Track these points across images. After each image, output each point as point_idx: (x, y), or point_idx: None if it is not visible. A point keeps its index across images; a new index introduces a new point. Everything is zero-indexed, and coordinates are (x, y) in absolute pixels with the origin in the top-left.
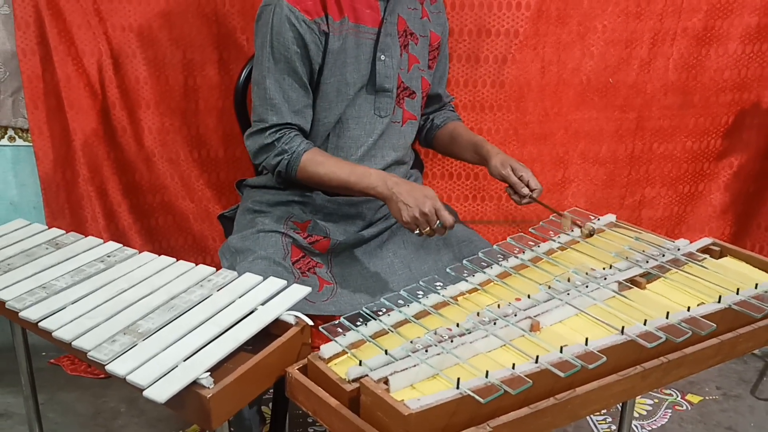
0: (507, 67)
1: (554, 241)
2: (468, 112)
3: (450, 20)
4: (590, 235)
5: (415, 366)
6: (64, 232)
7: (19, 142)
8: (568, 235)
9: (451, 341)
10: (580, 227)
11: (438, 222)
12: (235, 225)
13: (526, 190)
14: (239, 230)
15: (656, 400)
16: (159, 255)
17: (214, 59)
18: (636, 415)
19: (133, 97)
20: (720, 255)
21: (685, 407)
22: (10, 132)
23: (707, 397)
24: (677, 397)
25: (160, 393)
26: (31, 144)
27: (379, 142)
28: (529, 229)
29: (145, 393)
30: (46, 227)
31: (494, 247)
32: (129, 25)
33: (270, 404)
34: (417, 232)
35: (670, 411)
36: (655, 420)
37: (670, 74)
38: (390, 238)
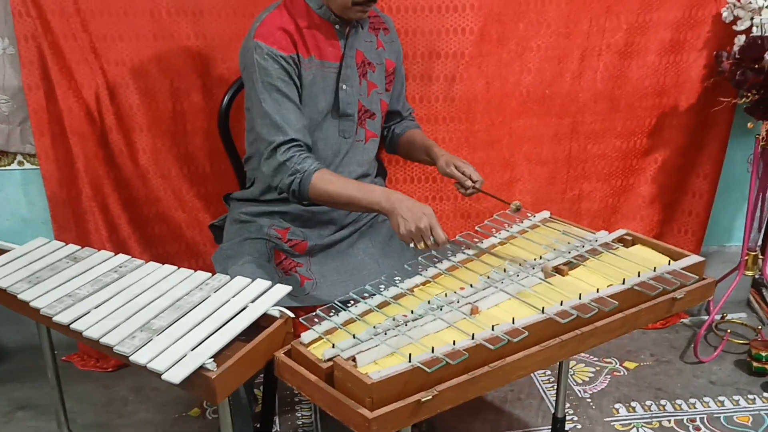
0: (456, 84)
1: (495, 237)
2: (424, 125)
3: (405, 45)
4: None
5: (377, 346)
6: (80, 247)
7: (27, 165)
8: (507, 231)
9: (406, 325)
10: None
11: (432, 238)
12: (224, 234)
13: (469, 183)
14: (228, 239)
15: (597, 368)
16: (156, 260)
17: (198, 86)
18: (579, 381)
19: (128, 123)
20: (632, 244)
21: (622, 373)
22: (19, 157)
23: (642, 363)
24: (616, 364)
25: (175, 376)
26: (38, 167)
27: (345, 159)
28: (475, 227)
29: (163, 377)
30: (64, 244)
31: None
32: (122, 60)
33: (261, 387)
34: (412, 245)
35: (609, 377)
36: (596, 385)
37: (598, 84)
38: (360, 239)
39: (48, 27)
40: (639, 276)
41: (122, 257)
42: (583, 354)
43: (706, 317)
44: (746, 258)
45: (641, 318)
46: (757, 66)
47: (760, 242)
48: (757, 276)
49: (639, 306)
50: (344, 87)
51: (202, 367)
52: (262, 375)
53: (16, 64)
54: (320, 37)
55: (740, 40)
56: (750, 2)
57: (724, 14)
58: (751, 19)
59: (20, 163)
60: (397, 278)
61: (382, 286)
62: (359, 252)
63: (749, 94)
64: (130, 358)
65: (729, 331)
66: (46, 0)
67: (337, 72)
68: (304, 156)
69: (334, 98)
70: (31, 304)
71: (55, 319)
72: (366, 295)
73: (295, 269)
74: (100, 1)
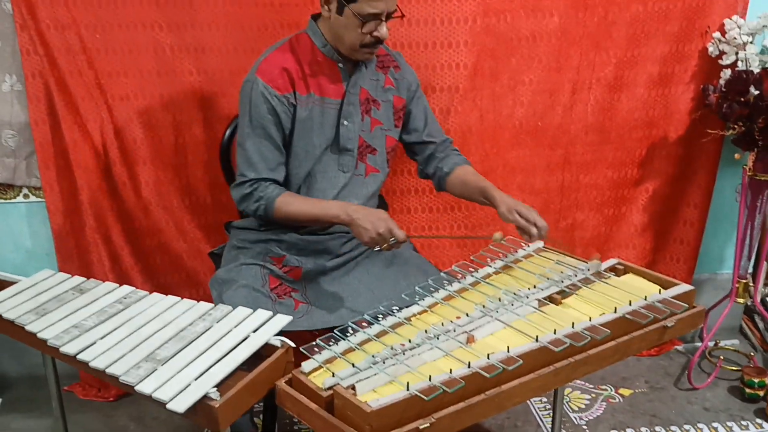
0: (451, 117)
1: (491, 266)
2: None
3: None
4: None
5: (375, 375)
6: (85, 279)
7: (32, 198)
8: (501, 261)
9: (404, 354)
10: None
11: (392, 239)
12: (222, 260)
13: (534, 230)
14: (225, 264)
15: (593, 395)
16: (158, 290)
17: (199, 120)
18: (575, 408)
19: (132, 156)
20: (623, 272)
21: (617, 399)
22: (25, 190)
23: (637, 390)
24: (611, 391)
25: (180, 405)
26: (43, 200)
27: (344, 192)
28: (471, 257)
29: (167, 406)
30: (70, 275)
31: (441, 273)
32: (126, 95)
33: (261, 415)
34: (377, 248)
35: (605, 403)
36: (591, 412)
37: (589, 117)
38: (355, 267)
39: (55, 64)
40: (630, 305)
41: (127, 288)
42: (578, 381)
43: (700, 344)
44: (737, 285)
45: (633, 346)
46: (742, 99)
47: (750, 269)
48: (748, 303)
49: (631, 334)
50: (345, 123)
51: (205, 396)
52: (261, 403)
53: (23, 100)
54: (323, 75)
55: (726, 74)
56: (735, 38)
57: (710, 49)
58: (736, 53)
59: (26, 195)
60: (395, 307)
61: (380, 316)
62: (354, 280)
63: (736, 126)
64: (136, 387)
65: (722, 357)
66: (54, 38)
67: (339, 108)
68: (267, 184)
69: (335, 133)
70: (39, 335)
71: (62, 350)
72: (365, 324)
73: (289, 294)
74: (106, 40)
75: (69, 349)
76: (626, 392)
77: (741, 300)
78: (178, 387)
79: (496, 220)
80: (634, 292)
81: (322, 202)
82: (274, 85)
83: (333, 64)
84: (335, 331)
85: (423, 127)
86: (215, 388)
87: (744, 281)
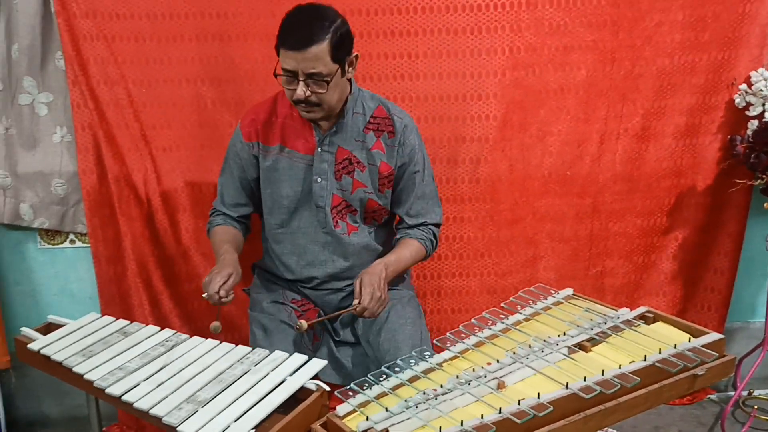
0: (481, 167)
1: (521, 313)
2: (450, 204)
3: (431, 130)
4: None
5: (408, 419)
6: (129, 322)
7: (78, 244)
8: (531, 308)
9: (436, 399)
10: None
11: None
12: (251, 300)
13: (356, 302)
14: (252, 303)
15: None
16: (195, 334)
17: None
18: None
19: (173, 204)
20: (653, 321)
21: None
22: (71, 236)
23: None
24: None
25: None
26: (88, 245)
27: (327, 250)
28: (501, 304)
29: None
30: (114, 319)
31: (473, 320)
32: (169, 146)
33: None
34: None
35: None
36: None
37: (617, 166)
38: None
39: (104, 117)
40: (660, 353)
41: (168, 332)
42: (610, 430)
43: (733, 393)
44: None
45: (663, 394)
46: None
47: None
48: None
49: (661, 382)
50: (318, 180)
51: None
52: None
53: (72, 151)
54: (293, 129)
55: (753, 125)
56: (761, 89)
57: (737, 100)
58: (763, 104)
59: (72, 241)
60: (426, 353)
61: (413, 361)
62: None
63: (764, 176)
64: (178, 428)
65: (756, 407)
66: (103, 93)
67: (308, 164)
68: (218, 214)
69: (309, 188)
70: (85, 376)
71: (107, 391)
72: (397, 369)
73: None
74: (151, 94)
75: (114, 390)
76: None
77: None
78: (218, 428)
79: (526, 267)
80: (664, 340)
81: (222, 251)
82: (245, 132)
83: (305, 120)
84: (369, 375)
85: (398, 203)
86: (254, 430)
87: None
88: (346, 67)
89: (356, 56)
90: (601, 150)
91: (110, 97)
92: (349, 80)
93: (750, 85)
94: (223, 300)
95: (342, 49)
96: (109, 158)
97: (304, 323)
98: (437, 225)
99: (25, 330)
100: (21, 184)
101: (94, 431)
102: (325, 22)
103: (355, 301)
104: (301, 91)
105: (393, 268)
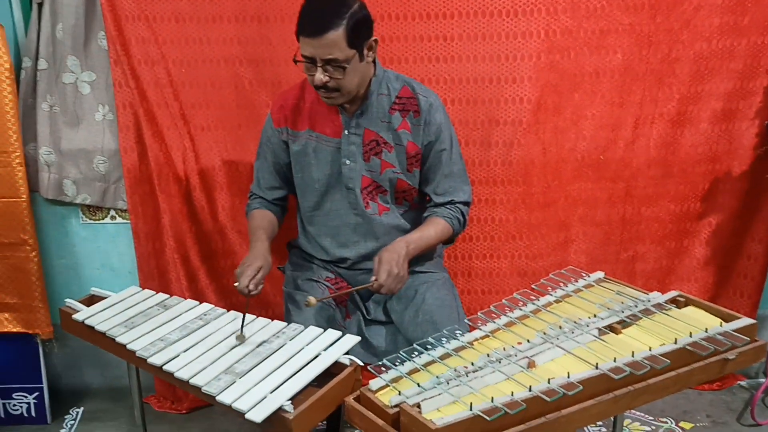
0: (514, 150)
1: (551, 295)
2: (483, 186)
3: (465, 113)
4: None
5: (440, 395)
6: (168, 296)
7: (119, 220)
8: (562, 290)
9: (467, 376)
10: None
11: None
12: (285, 278)
13: (373, 278)
14: (287, 280)
15: (653, 427)
16: (231, 309)
17: None
18: None
19: (210, 182)
20: (684, 305)
21: None
22: (112, 212)
23: (698, 424)
24: (672, 424)
25: (257, 416)
26: (128, 221)
27: (359, 231)
28: (532, 285)
29: (246, 416)
30: (154, 292)
31: (504, 300)
32: (207, 126)
33: None
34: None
35: None
36: None
37: (651, 151)
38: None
39: (144, 96)
40: (691, 336)
41: (206, 306)
42: (639, 413)
43: (764, 380)
44: None
45: (693, 377)
46: None
47: None
48: None
49: (691, 365)
50: (347, 162)
51: (280, 409)
52: (323, 422)
53: (114, 129)
54: (320, 113)
55: None
56: None
57: None
58: None
59: (112, 217)
60: (458, 331)
61: (444, 339)
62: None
63: None
64: (217, 397)
65: None
66: (144, 72)
67: (337, 147)
68: (255, 197)
69: (339, 171)
70: (128, 346)
71: (149, 360)
72: (429, 347)
73: (345, 303)
74: (190, 74)
75: (156, 360)
76: (687, 426)
77: None
78: (255, 399)
79: (557, 250)
80: (695, 324)
81: (255, 237)
82: (274, 117)
83: None
84: (401, 352)
85: (426, 182)
86: (289, 401)
87: None
88: (365, 51)
89: (375, 40)
90: (636, 134)
91: (151, 77)
92: (374, 62)
93: None
94: (252, 293)
95: (359, 35)
96: (149, 137)
97: (312, 299)
98: (466, 203)
99: (70, 301)
100: (64, 161)
101: (134, 400)
102: (341, 8)
103: (373, 278)
104: (320, 77)
105: (415, 245)
